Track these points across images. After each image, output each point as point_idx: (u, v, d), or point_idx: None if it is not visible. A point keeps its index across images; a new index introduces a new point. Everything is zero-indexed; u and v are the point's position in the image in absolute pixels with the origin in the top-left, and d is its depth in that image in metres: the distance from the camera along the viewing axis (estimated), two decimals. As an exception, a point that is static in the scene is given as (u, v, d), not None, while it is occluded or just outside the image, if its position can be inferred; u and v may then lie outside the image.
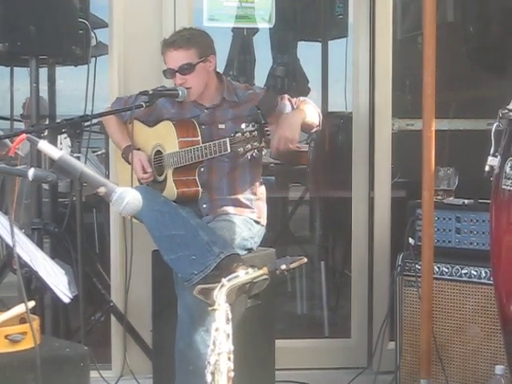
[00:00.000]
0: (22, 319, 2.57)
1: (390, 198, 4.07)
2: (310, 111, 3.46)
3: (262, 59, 5.08)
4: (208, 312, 2.17)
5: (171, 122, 3.46)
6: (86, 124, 3.63)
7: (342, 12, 4.85)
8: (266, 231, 3.56)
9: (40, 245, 3.64)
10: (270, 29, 4.62)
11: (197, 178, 3.44)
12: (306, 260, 2.30)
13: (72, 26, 3.71)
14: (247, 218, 3.46)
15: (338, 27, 4.91)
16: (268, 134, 3.09)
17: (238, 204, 3.47)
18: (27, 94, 3.88)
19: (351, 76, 4.16)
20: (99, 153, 5.60)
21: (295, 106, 3.49)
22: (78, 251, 3.40)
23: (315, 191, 5.11)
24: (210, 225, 3.35)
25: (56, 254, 3.72)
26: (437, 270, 3.42)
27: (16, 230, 2.34)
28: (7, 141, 4.02)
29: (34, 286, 3.37)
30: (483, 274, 3.34)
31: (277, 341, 3.55)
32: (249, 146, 3.06)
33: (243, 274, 2.22)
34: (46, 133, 3.83)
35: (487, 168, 2.81)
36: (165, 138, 3.47)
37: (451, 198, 3.58)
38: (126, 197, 2.02)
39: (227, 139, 3.13)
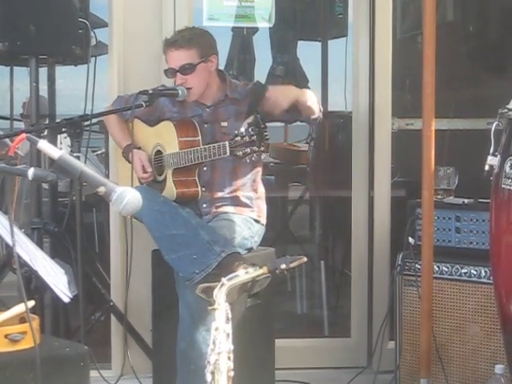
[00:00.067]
0: (21, 319, 2.57)
1: (389, 197, 4.07)
2: (309, 94, 3.46)
3: (262, 59, 5.08)
4: (209, 311, 2.17)
5: (171, 122, 3.46)
6: (86, 123, 3.63)
7: (341, 11, 4.85)
8: (266, 231, 3.56)
9: (40, 244, 3.64)
10: (269, 28, 4.62)
11: (196, 178, 3.44)
12: (305, 259, 2.30)
13: (72, 25, 3.71)
14: (247, 217, 3.46)
15: (337, 27, 4.91)
16: (267, 138, 3.09)
17: (238, 203, 3.47)
18: (27, 94, 3.88)
19: (351, 75, 4.16)
20: (99, 152, 5.60)
21: None
22: (77, 251, 3.40)
23: (315, 191, 5.11)
24: (209, 224, 3.35)
25: (56, 253, 3.73)
26: (437, 269, 3.42)
27: (16, 229, 2.34)
28: (7, 140, 4.02)
29: (34, 285, 3.37)
30: (483, 274, 3.34)
31: (276, 340, 3.56)
32: (248, 150, 3.06)
33: (243, 274, 2.22)
34: (45, 132, 3.83)
35: (487, 167, 2.81)
36: (165, 137, 3.47)
37: (451, 198, 3.58)
38: (126, 196, 2.02)
39: (227, 143, 3.14)
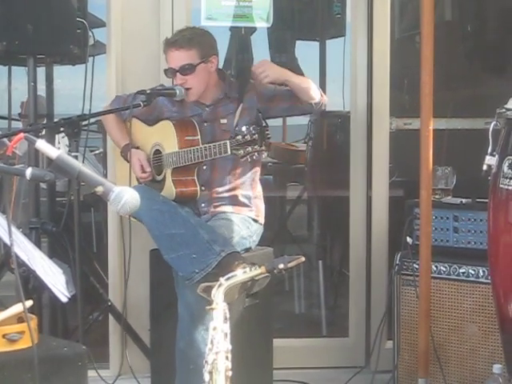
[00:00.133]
0: (19, 318, 2.57)
1: (387, 197, 4.07)
2: (305, 79, 3.46)
3: (260, 58, 5.03)
4: (208, 311, 2.17)
5: (171, 122, 3.47)
6: (84, 123, 3.63)
7: (339, 11, 4.85)
8: (264, 230, 3.56)
9: (38, 244, 3.63)
10: (267, 28, 4.61)
11: (195, 177, 3.44)
12: (303, 259, 2.30)
13: (70, 25, 3.71)
14: (245, 217, 3.46)
15: (335, 26, 4.91)
16: (269, 138, 3.09)
17: (236, 203, 3.47)
18: (25, 94, 3.88)
19: (349, 75, 4.16)
20: (97, 152, 5.60)
21: None
22: (75, 250, 3.40)
23: (313, 190, 5.11)
24: (208, 224, 3.35)
25: (54, 253, 3.72)
26: (434, 269, 3.42)
27: (14, 229, 2.33)
28: (5, 140, 4.01)
29: (32, 285, 3.37)
30: (481, 273, 3.35)
31: (275, 340, 3.56)
32: (249, 148, 3.06)
33: (241, 273, 2.22)
34: (43, 132, 3.83)
35: (485, 167, 2.81)
36: (164, 137, 3.47)
37: (449, 197, 3.58)
38: (124, 196, 2.02)
39: (227, 142, 3.14)
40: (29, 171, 2.10)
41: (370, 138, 4.04)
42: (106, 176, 4.04)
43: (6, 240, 2.28)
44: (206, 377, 2.08)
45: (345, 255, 4.31)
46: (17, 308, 2.54)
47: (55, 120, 4.02)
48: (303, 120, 4.82)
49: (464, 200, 3.51)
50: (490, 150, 2.81)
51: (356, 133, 4.09)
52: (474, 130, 4.05)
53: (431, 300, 3.34)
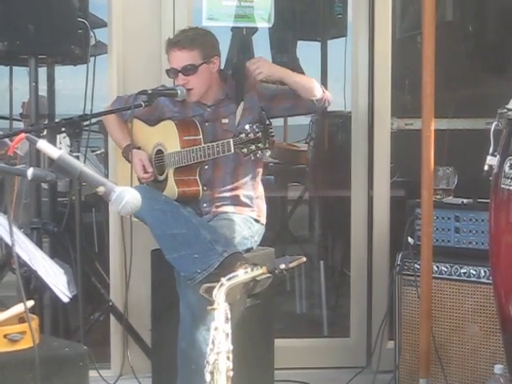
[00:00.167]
0: (20, 318, 2.57)
1: (389, 197, 4.07)
2: (303, 76, 3.46)
3: (261, 59, 5.07)
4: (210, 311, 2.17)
5: (173, 122, 3.46)
6: (85, 123, 3.63)
7: (341, 11, 4.85)
8: (266, 230, 3.56)
9: (39, 244, 3.64)
10: (269, 28, 4.61)
11: (197, 177, 3.44)
12: (305, 259, 2.30)
13: (71, 25, 3.71)
14: (247, 217, 3.46)
15: (337, 26, 4.91)
16: (272, 135, 3.08)
17: (238, 203, 3.47)
18: (26, 94, 3.88)
19: (350, 75, 4.16)
20: (98, 152, 5.60)
21: None
22: (77, 250, 3.40)
23: (314, 190, 5.11)
24: (210, 224, 3.35)
25: (55, 253, 3.72)
26: (436, 269, 3.42)
27: (15, 229, 2.34)
28: (6, 140, 4.01)
29: (33, 285, 3.37)
30: (482, 274, 3.34)
31: (276, 340, 3.56)
32: (253, 146, 3.06)
33: (242, 273, 2.22)
34: (45, 132, 3.83)
35: (486, 167, 2.81)
36: (166, 137, 3.47)
37: (450, 198, 3.58)
38: (125, 196, 2.02)
39: (231, 140, 3.13)
40: (30, 171, 2.10)
41: (372, 138, 4.04)
42: (107, 176, 4.04)
43: (8, 240, 2.28)
44: (208, 377, 2.08)
45: (346, 255, 4.31)
46: (18, 308, 2.54)
47: (56, 120, 4.01)
48: (304, 120, 4.82)
49: (465, 200, 3.51)
50: (491, 151, 2.80)
51: (357, 133, 4.09)
52: (475, 131, 4.05)
53: (432, 300, 3.34)
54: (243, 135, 3.07)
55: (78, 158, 3.32)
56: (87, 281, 3.60)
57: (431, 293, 3.31)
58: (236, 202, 3.47)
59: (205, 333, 3.08)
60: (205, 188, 3.45)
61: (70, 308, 3.81)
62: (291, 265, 2.26)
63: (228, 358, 2.09)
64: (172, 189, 3.42)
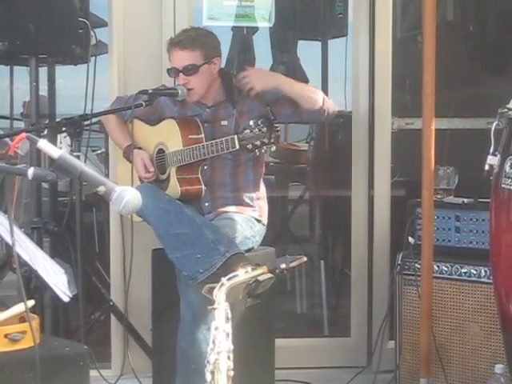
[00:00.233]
0: (21, 318, 2.57)
1: (389, 196, 4.07)
2: (301, 84, 3.44)
3: (262, 58, 5.08)
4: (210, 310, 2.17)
5: (174, 120, 3.46)
6: (86, 123, 3.63)
7: (341, 11, 4.85)
8: (266, 230, 3.56)
9: (40, 244, 3.64)
10: (269, 28, 4.61)
11: (200, 176, 3.44)
12: (305, 259, 2.30)
13: (72, 25, 3.71)
14: (249, 217, 3.46)
15: (337, 26, 4.91)
16: (277, 131, 3.07)
17: (240, 203, 3.47)
18: (27, 93, 3.88)
19: (351, 75, 4.16)
20: (99, 152, 5.60)
21: None
22: (77, 250, 3.40)
23: (315, 190, 5.11)
24: (212, 223, 3.35)
25: (56, 253, 3.72)
26: (436, 268, 3.42)
27: (15, 229, 2.34)
28: (7, 140, 4.01)
29: (34, 285, 3.37)
30: (483, 273, 3.34)
31: (276, 340, 3.56)
32: (258, 142, 3.06)
33: (243, 273, 2.22)
34: (45, 132, 3.83)
35: (487, 167, 2.81)
36: (168, 136, 3.47)
37: (451, 197, 3.58)
38: (126, 196, 2.02)
39: (235, 136, 3.13)
40: (31, 171, 2.10)
41: (372, 137, 4.04)
42: (107, 176, 4.04)
43: (8, 240, 2.28)
44: (208, 377, 2.08)
45: (347, 255, 4.31)
46: (19, 308, 2.54)
47: (57, 120, 4.02)
48: (305, 120, 4.81)
49: (466, 200, 3.51)
50: (491, 150, 2.80)
51: (358, 133, 4.09)
52: (475, 130, 4.05)
53: (433, 300, 3.34)
54: (248, 131, 3.06)
55: (78, 157, 3.31)
56: (88, 280, 3.60)
57: (432, 292, 3.31)
58: (238, 201, 3.47)
59: (205, 332, 3.08)
60: (205, 187, 3.45)
61: (70, 308, 3.82)
62: (292, 264, 2.25)
63: (229, 357, 2.09)
64: (175, 188, 3.41)
